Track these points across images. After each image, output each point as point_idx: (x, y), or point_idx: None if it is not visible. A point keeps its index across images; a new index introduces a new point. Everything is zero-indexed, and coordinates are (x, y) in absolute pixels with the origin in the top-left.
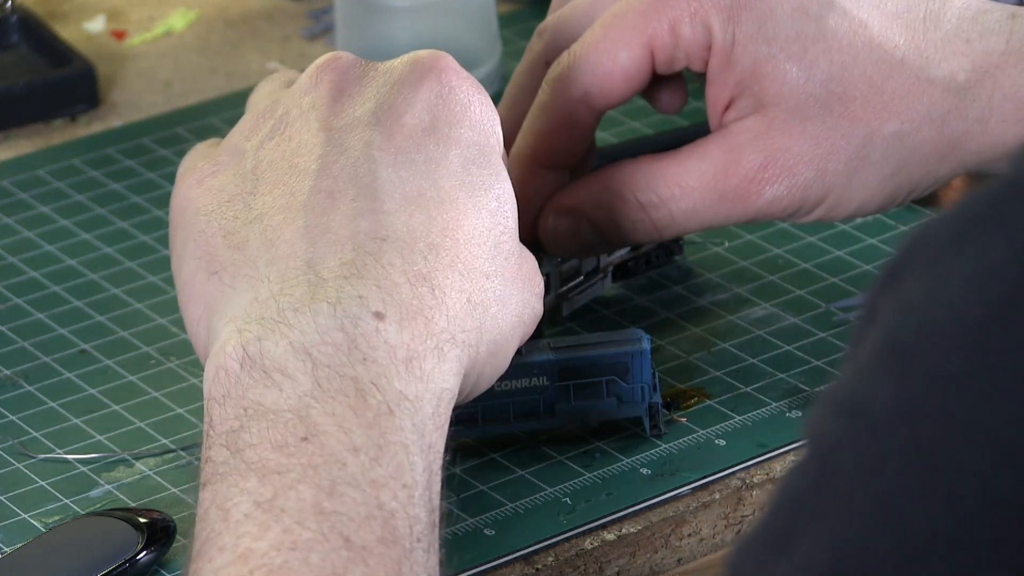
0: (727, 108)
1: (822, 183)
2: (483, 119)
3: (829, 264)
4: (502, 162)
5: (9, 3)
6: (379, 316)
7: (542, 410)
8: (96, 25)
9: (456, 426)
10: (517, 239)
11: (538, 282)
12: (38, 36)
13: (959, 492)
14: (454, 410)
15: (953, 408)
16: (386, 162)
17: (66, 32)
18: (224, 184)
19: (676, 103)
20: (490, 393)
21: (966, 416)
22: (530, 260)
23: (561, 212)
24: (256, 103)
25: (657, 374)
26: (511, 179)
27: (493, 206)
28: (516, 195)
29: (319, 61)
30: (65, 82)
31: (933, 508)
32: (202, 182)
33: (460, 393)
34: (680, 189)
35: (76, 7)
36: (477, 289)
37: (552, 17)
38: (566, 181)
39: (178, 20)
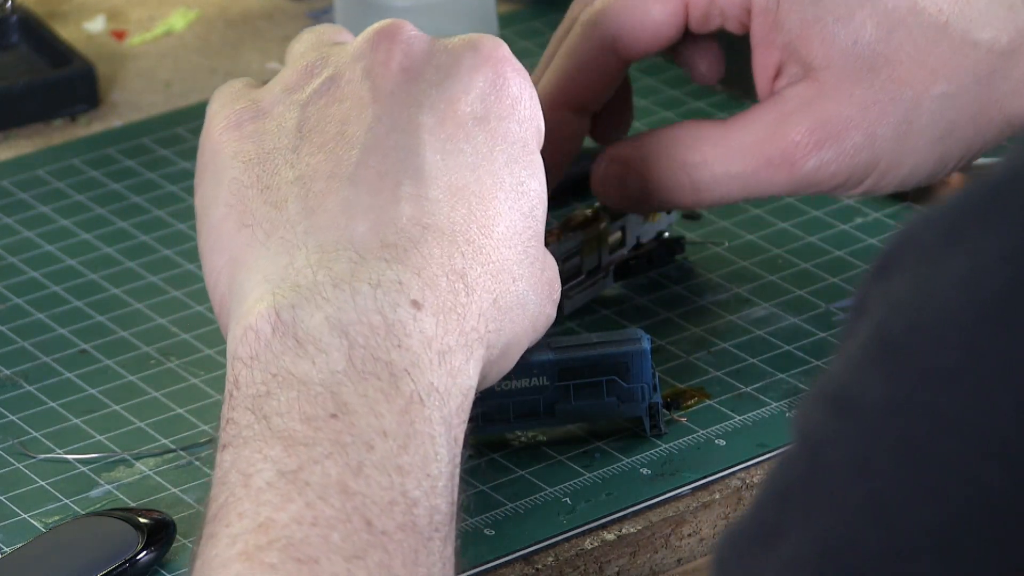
0: (777, 75)
1: (872, 149)
2: (530, 116)
3: (829, 264)
4: (540, 161)
5: (9, 3)
6: (416, 305)
7: (542, 410)
8: (96, 25)
9: None
10: (543, 243)
11: (557, 288)
12: (38, 36)
13: (949, 488)
14: None
15: (944, 404)
16: (435, 147)
17: (66, 32)
18: (265, 133)
19: (714, 72)
20: (490, 393)
21: (956, 413)
22: (552, 266)
23: (614, 160)
24: (301, 55)
25: (657, 374)
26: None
27: (527, 208)
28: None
29: (379, 26)
30: (65, 82)
31: (923, 504)
32: (241, 126)
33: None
34: (725, 151)
35: (76, 7)
36: (504, 291)
37: None
38: (586, 126)
39: (178, 20)
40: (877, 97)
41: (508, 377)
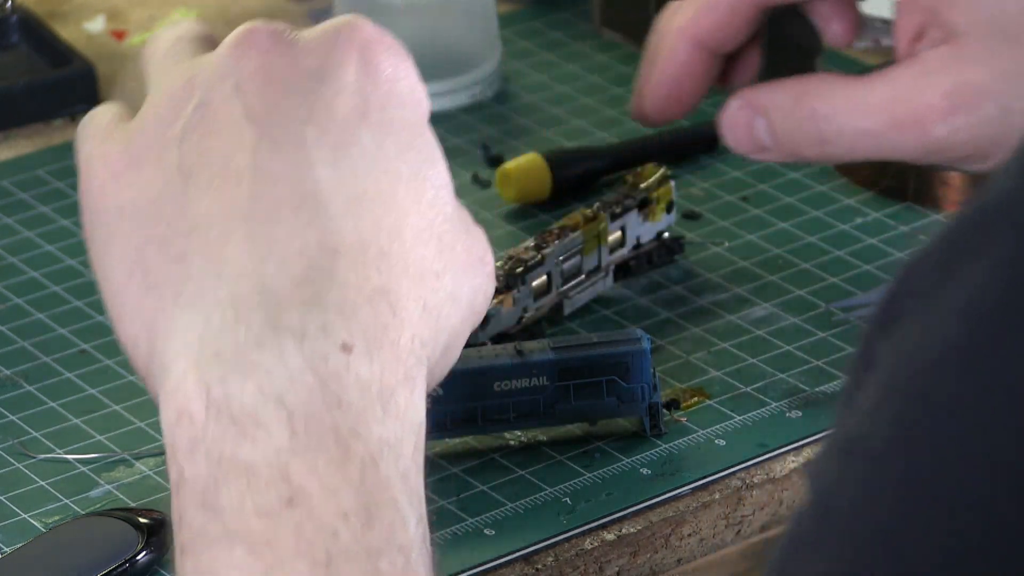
0: (917, 38)
1: (1005, 122)
2: (411, 93)
3: (829, 264)
4: (433, 139)
5: (9, 3)
6: (347, 348)
7: (542, 410)
8: (96, 25)
9: (456, 427)
10: (457, 220)
11: (487, 260)
12: (38, 36)
13: (957, 517)
14: (453, 411)
15: (948, 433)
16: (325, 160)
17: (66, 32)
18: (148, 181)
19: (848, 33)
20: (490, 393)
21: (961, 440)
22: (477, 238)
23: (745, 104)
24: (165, 73)
25: (657, 374)
26: (667, 50)
27: (431, 195)
28: (666, 68)
29: (238, 34)
30: (65, 82)
31: (932, 534)
32: (119, 176)
33: None
34: (857, 105)
35: (76, 7)
36: (430, 293)
37: None
38: (715, 69)
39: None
40: (1018, 69)
41: (508, 377)
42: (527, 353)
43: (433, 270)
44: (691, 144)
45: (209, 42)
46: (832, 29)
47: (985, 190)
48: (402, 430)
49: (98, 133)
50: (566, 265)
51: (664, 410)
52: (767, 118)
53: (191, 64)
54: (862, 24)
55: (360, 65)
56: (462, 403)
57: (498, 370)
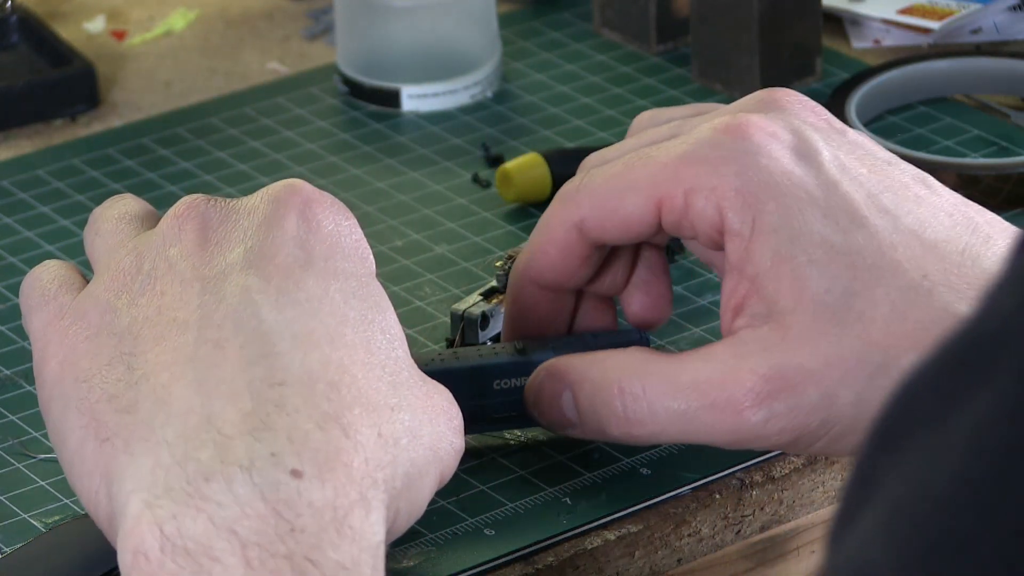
0: (739, 311)
1: (828, 409)
2: (355, 247)
3: None
4: (380, 290)
5: (9, 3)
6: (297, 474)
7: None
8: (96, 25)
9: None
10: (415, 369)
11: (454, 415)
12: (38, 36)
13: None
14: None
15: (955, 572)
16: (269, 304)
17: (66, 32)
18: (100, 347)
19: (649, 316)
20: (490, 391)
21: None
22: (441, 392)
23: (552, 376)
24: (111, 252)
25: None
26: (514, 292)
27: (380, 339)
28: (510, 309)
29: (176, 209)
30: (65, 82)
31: None
32: (75, 348)
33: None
34: (668, 386)
35: (76, 7)
36: (385, 422)
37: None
38: (565, 306)
39: (178, 20)
40: (844, 354)
41: (508, 375)
42: (528, 351)
43: (388, 403)
44: None
45: (151, 218)
46: (631, 308)
47: (984, 308)
48: (359, 553)
49: (48, 305)
50: None
51: None
52: (574, 392)
53: (137, 240)
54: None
55: (301, 221)
56: (462, 401)
57: (498, 368)
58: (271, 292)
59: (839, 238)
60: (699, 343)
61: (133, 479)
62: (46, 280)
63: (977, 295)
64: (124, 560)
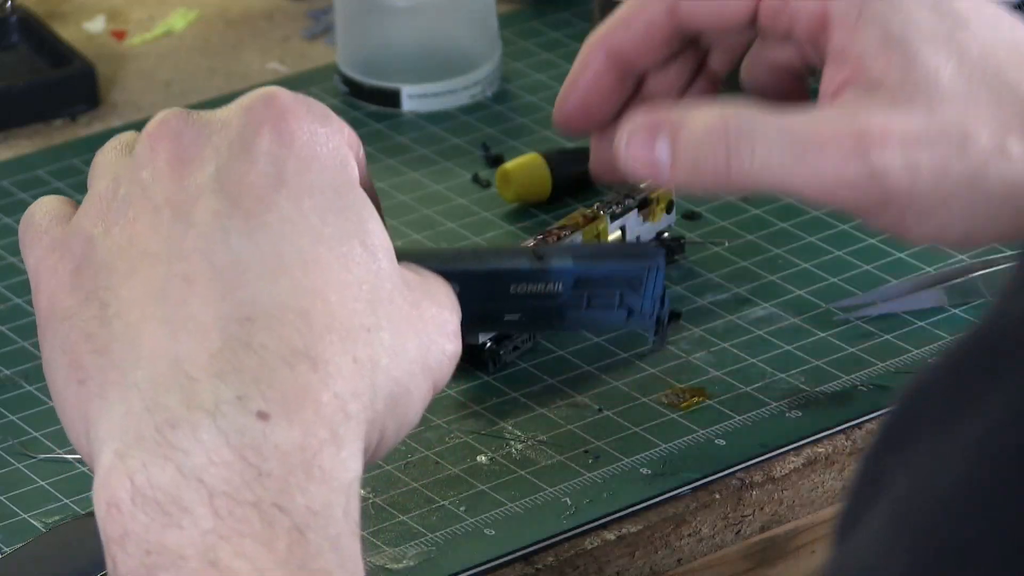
0: (839, 94)
1: (932, 175)
2: (333, 156)
3: (829, 264)
4: (362, 198)
5: (9, 3)
6: (263, 416)
7: (554, 316)
8: (96, 25)
9: (470, 325)
10: (402, 279)
11: (446, 319)
12: (38, 36)
13: None
14: (469, 310)
15: None
16: (238, 230)
17: (66, 32)
18: (81, 281)
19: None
20: (506, 295)
21: None
22: (434, 296)
23: (647, 117)
24: (97, 178)
25: (667, 290)
26: (581, 60)
27: (359, 254)
28: (578, 79)
29: (149, 127)
30: (65, 82)
31: None
32: (61, 283)
33: (365, 453)
34: (777, 129)
35: (76, 7)
36: (362, 346)
37: None
38: (627, 88)
39: (178, 20)
40: (950, 126)
41: (526, 280)
42: (546, 259)
43: (364, 325)
44: None
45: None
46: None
47: (995, 312)
48: (329, 494)
49: (41, 240)
50: None
51: (668, 321)
52: (672, 133)
53: (117, 163)
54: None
55: (274, 135)
56: (479, 303)
57: (517, 274)
58: (240, 216)
59: (945, 28)
60: (699, 343)
61: (107, 427)
62: (39, 215)
63: None
64: (99, 511)
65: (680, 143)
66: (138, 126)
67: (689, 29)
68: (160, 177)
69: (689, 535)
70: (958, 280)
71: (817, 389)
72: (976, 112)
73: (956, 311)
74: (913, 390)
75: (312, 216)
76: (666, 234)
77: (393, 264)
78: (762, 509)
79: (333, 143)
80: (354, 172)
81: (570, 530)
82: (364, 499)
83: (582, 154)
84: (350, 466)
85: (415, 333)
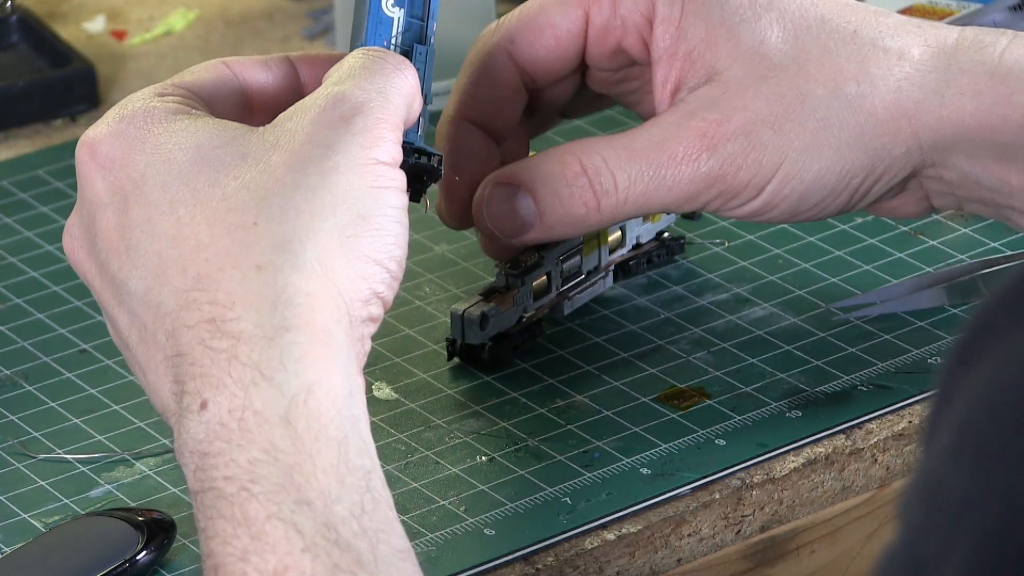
0: (676, 91)
1: (778, 144)
2: (155, 152)
3: (829, 264)
4: (190, 159)
5: (9, 3)
6: (204, 405)
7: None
8: (96, 25)
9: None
10: (253, 140)
11: (291, 140)
12: (38, 36)
13: None
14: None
15: (1019, 489)
16: (124, 271)
17: (66, 32)
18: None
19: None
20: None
21: None
22: (296, 141)
23: (499, 183)
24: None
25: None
26: (442, 138)
27: (208, 194)
28: (446, 150)
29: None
30: (65, 82)
31: None
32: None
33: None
34: (627, 152)
35: (76, 7)
36: (254, 248)
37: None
38: (494, 149)
39: (178, 20)
40: (785, 92)
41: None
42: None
43: (242, 223)
44: None
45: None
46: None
47: None
48: (274, 436)
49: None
50: (566, 265)
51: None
52: (528, 189)
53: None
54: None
55: (98, 171)
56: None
57: None
58: (119, 255)
59: (764, 0)
60: (699, 343)
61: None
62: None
63: (896, 34)
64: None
65: (543, 196)
66: None
67: (529, 70)
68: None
69: (689, 535)
70: (958, 280)
71: (817, 389)
72: (808, 70)
73: (956, 311)
74: (981, 311)
75: (165, 207)
76: (666, 234)
77: (238, 142)
78: (762, 509)
79: (142, 143)
80: (182, 147)
81: (570, 530)
82: None
83: None
84: (285, 388)
85: (292, 186)
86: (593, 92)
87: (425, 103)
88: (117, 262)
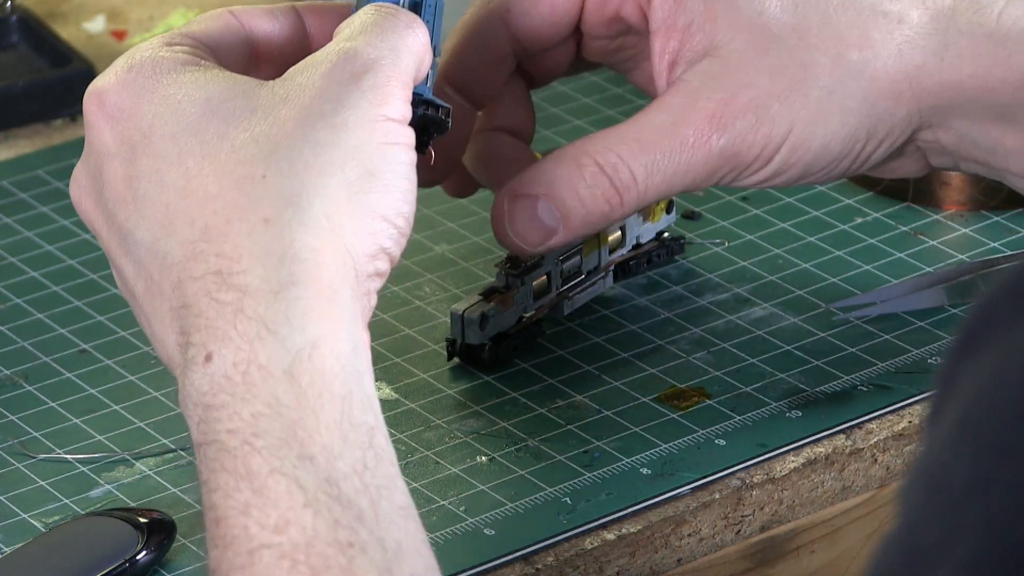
0: (674, 65)
1: (786, 115)
2: (165, 102)
3: (829, 264)
4: (198, 111)
5: (9, 3)
6: (209, 358)
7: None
8: (96, 25)
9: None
10: (263, 93)
11: (303, 97)
12: (38, 36)
13: None
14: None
15: (1022, 481)
16: (130, 220)
17: (66, 32)
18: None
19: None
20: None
21: None
22: (306, 96)
23: (517, 195)
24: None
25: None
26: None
27: (216, 146)
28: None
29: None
30: (65, 82)
31: None
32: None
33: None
34: (640, 143)
35: (76, 7)
36: (264, 200)
37: None
38: (470, 115)
39: (178, 20)
40: (788, 63)
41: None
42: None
43: (251, 176)
44: None
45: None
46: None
47: None
48: (277, 390)
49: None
50: (566, 265)
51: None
52: (548, 195)
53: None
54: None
55: (106, 121)
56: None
57: None
58: (125, 206)
59: None
60: (699, 343)
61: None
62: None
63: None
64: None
65: (564, 200)
66: None
67: (522, 37)
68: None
69: (689, 535)
70: (958, 280)
71: (817, 389)
72: (809, 39)
73: (956, 311)
74: (986, 299)
75: (173, 159)
76: (666, 234)
77: (243, 95)
78: (762, 509)
79: (151, 95)
80: (192, 100)
81: (570, 530)
82: None
83: None
84: (290, 343)
85: (307, 135)
86: (585, 59)
87: (434, 55)
88: (124, 212)
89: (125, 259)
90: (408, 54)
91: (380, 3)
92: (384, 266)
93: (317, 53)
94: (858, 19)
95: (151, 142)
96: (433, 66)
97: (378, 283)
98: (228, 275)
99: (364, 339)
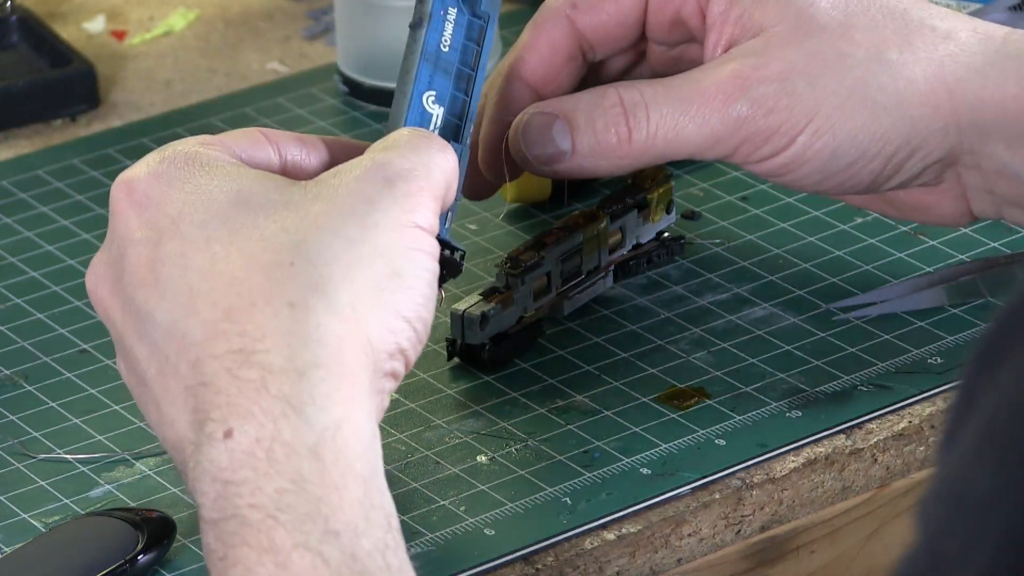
0: (727, 50)
1: (813, 96)
2: (195, 193)
3: (829, 264)
4: (233, 191)
5: (9, 3)
6: (228, 434)
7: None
8: (96, 25)
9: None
10: (295, 190)
11: (337, 193)
12: (38, 36)
13: None
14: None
15: None
16: (153, 305)
17: (66, 32)
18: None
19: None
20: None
21: None
22: (339, 196)
23: (538, 111)
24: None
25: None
26: (494, 90)
27: (244, 234)
28: (493, 106)
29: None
30: (65, 82)
31: None
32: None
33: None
34: (665, 89)
35: (76, 7)
36: (289, 284)
37: None
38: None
39: (178, 20)
40: (825, 50)
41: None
42: None
43: (279, 262)
44: None
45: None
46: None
47: None
48: (302, 467)
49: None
50: (566, 265)
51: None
52: (568, 117)
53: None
54: None
55: (133, 209)
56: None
57: None
58: (147, 288)
59: None
60: (699, 343)
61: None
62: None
63: (945, 16)
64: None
65: (578, 124)
66: (138, 126)
67: (589, 37)
68: (101, 312)
69: (689, 535)
70: (958, 280)
71: (817, 389)
72: (852, 35)
73: (956, 311)
74: (1004, 312)
75: (199, 243)
76: (666, 234)
77: (269, 189)
78: (762, 509)
79: (183, 183)
80: (222, 175)
81: (570, 530)
82: None
83: None
84: (315, 421)
85: (339, 228)
86: (651, 70)
87: (456, 199)
88: (144, 294)
89: (140, 343)
90: (440, 171)
91: (415, 127)
92: (400, 368)
93: (350, 161)
94: (904, 27)
95: (178, 227)
96: (453, 208)
97: (392, 385)
98: (251, 353)
99: (378, 433)
